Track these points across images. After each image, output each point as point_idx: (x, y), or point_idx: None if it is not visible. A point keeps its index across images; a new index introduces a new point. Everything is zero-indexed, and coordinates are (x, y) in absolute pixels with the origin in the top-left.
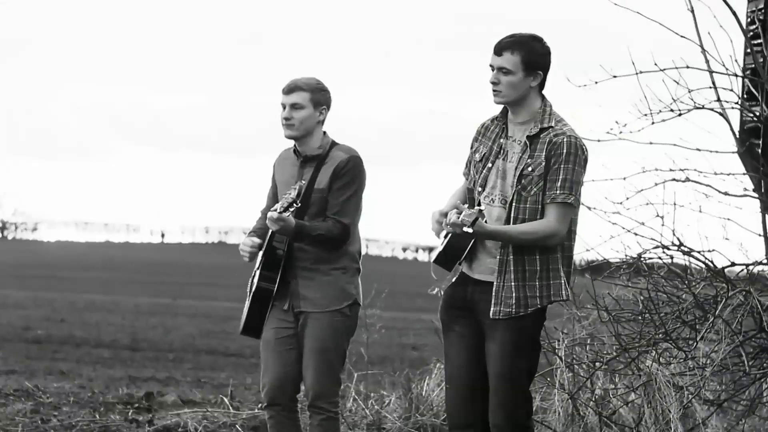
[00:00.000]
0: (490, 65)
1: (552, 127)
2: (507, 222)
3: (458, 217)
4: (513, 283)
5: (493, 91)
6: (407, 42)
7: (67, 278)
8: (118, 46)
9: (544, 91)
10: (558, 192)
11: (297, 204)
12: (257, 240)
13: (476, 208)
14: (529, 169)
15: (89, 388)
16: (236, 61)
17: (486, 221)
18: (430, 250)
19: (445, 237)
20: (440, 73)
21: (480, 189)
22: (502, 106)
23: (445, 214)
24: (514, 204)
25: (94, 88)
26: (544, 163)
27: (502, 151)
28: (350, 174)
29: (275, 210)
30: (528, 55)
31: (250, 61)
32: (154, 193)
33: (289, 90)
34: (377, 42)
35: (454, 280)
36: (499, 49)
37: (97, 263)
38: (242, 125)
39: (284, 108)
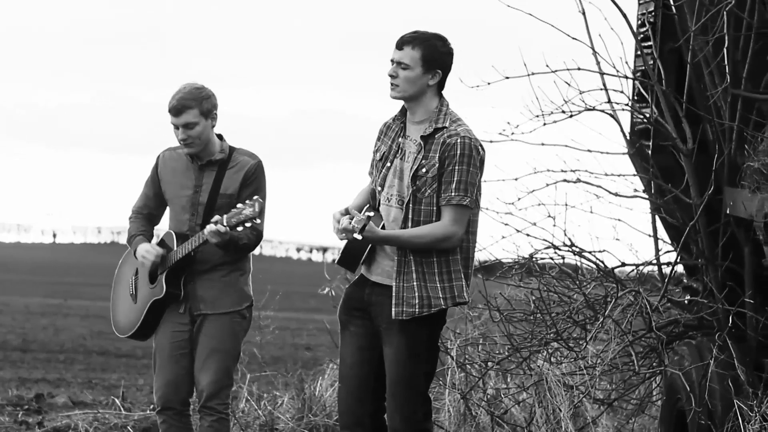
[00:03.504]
0: (391, 59)
1: (446, 127)
2: (404, 223)
3: (349, 223)
4: (414, 283)
5: (391, 84)
6: (301, 40)
7: None
8: (1, 40)
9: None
10: (453, 194)
11: (256, 221)
12: (160, 250)
13: (365, 214)
14: (423, 170)
15: None
16: (125, 58)
17: (383, 223)
18: (324, 250)
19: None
20: (334, 72)
21: (380, 189)
22: (400, 106)
23: (346, 214)
24: (410, 205)
25: None
26: (437, 165)
27: (400, 151)
28: (259, 180)
29: (220, 222)
30: (428, 52)
31: (140, 59)
32: (45, 192)
33: (177, 112)
34: (272, 41)
35: (353, 281)
36: (401, 44)
37: None
38: (132, 123)
39: (177, 128)
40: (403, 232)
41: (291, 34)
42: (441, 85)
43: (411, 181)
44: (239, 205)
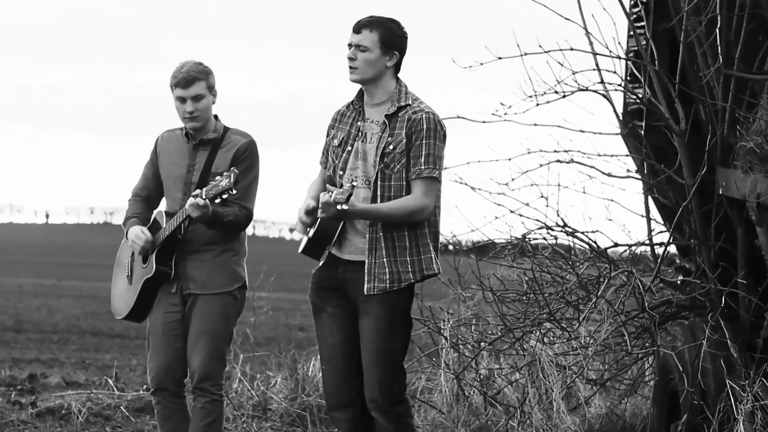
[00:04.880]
0: (349, 44)
1: (409, 105)
2: (374, 200)
3: (330, 197)
4: (385, 259)
5: (350, 68)
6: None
7: None
8: None
9: (417, 74)
10: (423, 167)
11: (232, 192)
12: (149, 234)
13: (348, 184)
14: (391, 147)
15: None
16: (115, 40)
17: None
18: None
19: (311, 228)
20: (326, 54)
21: (341, 172)
22: (356, 92)
23: (310, 212)
24: (378, 183)
25: None
26: (405, 140)
27: (360, 134)
28: (250, 158)
29: (199, 195)
30: (386, 35)
31: (129, 41)
32: (37, 172)
33: (187, 83)
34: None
35: (322, 263)
36: (358, 28)
37: None
38: (121, 104)
39: (183, 101)
40: (381, 205)
41: (282, 18)
42: (398, 67)
43: (379, 159)
44: (217, 178)
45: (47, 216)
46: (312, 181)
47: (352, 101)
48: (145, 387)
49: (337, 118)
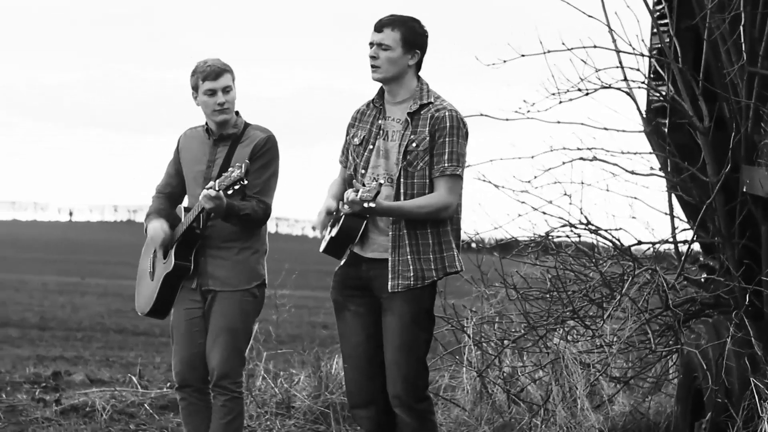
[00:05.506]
0: (370, 42)
1: (432, 102)
2: (396, 198)
3: (357, 195)
4: (408, 257)
5: (372, 66)
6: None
7: None
8: (3, 20)
9: (442, 71)
10: (446, 165)
11: (243, 182)
12: (168, 229)
13: (376, 183)
14: (414, 144)
15: None
16: (137, 35)
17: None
18: None
19: (333, 226)
20: (345, 50)
21: (363, 171)
22: (377, 90)
23: (331, 212)
24: (401, 180)
25: None
26: (428, 138)
27: (381, 132)
28: (269, 153)
29: (212, 188)
30: (407, 33)
31: (151, 36)
32: (61, 170)
33: (217, 75)
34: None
35: (344, 261)
36: (380, 26)
37: (4, 242)
38: (146, 101)
39: (213, 94)
40: (405, 203)
41: (292, 12)
42: (419, 65)
43: (402, 157)
44: (229, 169)
45: (71, 214)
46: (332, 181)
47: (373, 99)
48: (169, 384)
49: (357, 116)
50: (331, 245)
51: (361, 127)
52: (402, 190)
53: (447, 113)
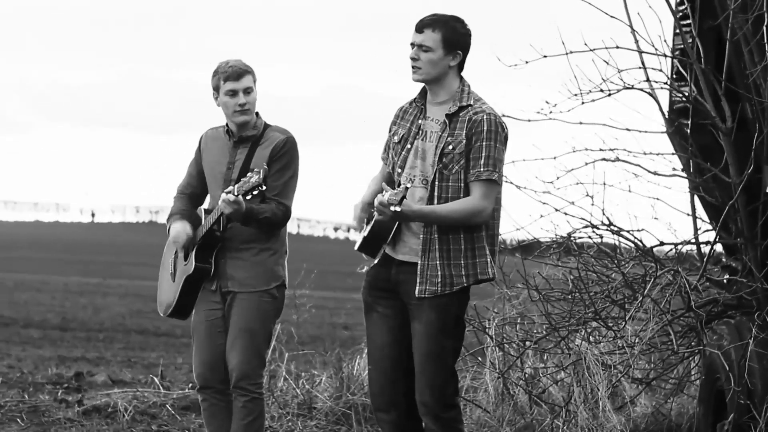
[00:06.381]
0: (411, 43)
1: (471, 105)
2: (430, 201)
3: (384, 198)
4: (438, 262)
5: (413, 67)
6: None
7: None
8: (25, 19)
9: (464, 73)
10: (482, 169)
11: (262, 188)
12: (190, 231)
13: (402, 186)
14: (450, 147)
15: (18, 369)
16: (155, 35)
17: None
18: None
19: (368, 224)
20: (370, 50)
21: (399, 170)
22: (420, 88)
23: (369, 204)
24: (436, 183)
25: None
26: (464, 141)
27: (420, 132)
28: (288, 155)
29: (231, 192)
30: (449, 34)
31: (169, 37)
32: (82, 171)
33: (238, 76)
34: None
35: (376, 261)
36: (421, 27)
37: (26, 243)
38: (166, 102)
39: (235, 95)
40: (438, 207)
41: (314, 13)
42: (461, 66)
43: (438, 159)
44: (248, 174)
45: (93, 215)
46: (373, 177)
47: (415, 98)
48: (191, 385)
49: (400, 114)
50: (365, 244)
51: (402, 125)
52: (436, 193)
53: (485, 116)
